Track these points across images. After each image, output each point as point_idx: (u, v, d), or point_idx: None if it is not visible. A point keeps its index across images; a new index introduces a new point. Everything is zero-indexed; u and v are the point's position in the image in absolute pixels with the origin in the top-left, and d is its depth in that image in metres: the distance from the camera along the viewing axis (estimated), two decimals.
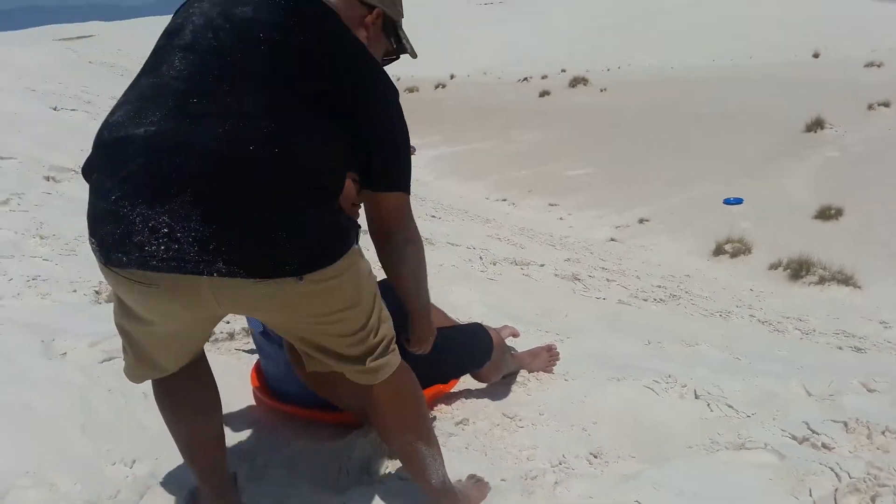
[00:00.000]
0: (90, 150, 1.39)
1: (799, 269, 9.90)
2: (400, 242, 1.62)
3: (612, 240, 12.34)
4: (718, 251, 11.22)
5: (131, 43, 37.35)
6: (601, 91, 28.19)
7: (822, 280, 9.67)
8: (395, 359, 1.62)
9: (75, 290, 2.97)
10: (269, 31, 1.39)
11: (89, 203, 1.35)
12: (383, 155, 1.52)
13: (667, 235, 12.34)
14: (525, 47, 51.57)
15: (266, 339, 2.11)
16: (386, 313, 1.62)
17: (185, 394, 1.66)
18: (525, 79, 35.64)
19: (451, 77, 40.98)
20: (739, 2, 55.11)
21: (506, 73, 39.93)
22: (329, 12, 1.48)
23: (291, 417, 2.17)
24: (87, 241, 1.38)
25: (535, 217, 13.72)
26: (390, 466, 2.00)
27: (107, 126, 1.37)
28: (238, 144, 1.29)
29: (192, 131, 1.29)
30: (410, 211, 1.63)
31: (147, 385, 2.26)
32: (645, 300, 5.87)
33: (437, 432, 2.05)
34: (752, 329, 5.85)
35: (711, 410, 2.51)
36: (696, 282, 9.17)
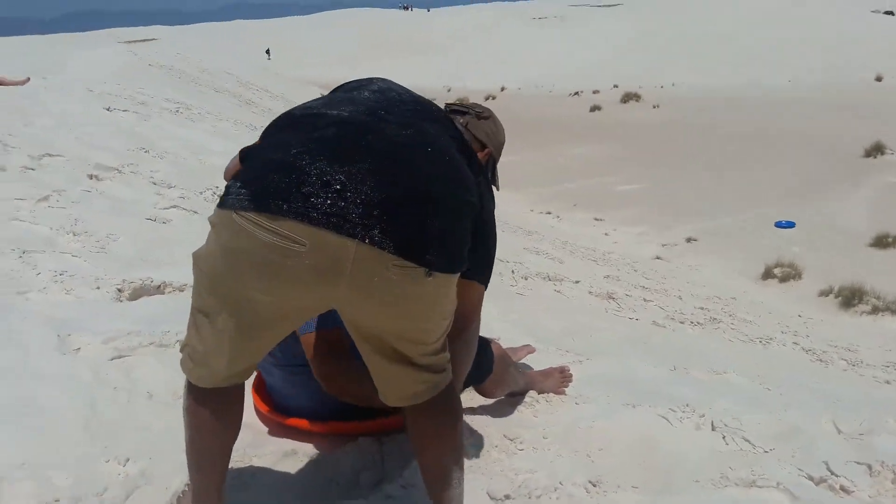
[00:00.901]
0: (269, 131, 1.59)
1: (851, 298, 9.58)
2: (470, 337, 1.81)
3: (658, 258, 12.13)
4: (767, 274, 10.93)
5: (191, 47, 38.41)
6: (654, 108, 27.86)
7: (875, 310, 9.34)
8: (445, 376, 1.67)
9: (98, 288, 3.02)
10: (438, 113, 1.75)
11: (257, 161, 1.48)
12: (486, 251, 1.77)
13: (714, 256, 12.07)
14: (578, 62, 51.28)
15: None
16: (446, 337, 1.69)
17: (224, 412, 1.66)
18: (576, 93, 35.45)
19: (502, 89, 40.99)
20: (801, 22, 53.84)
21: (557, 87, 39.74)
22: (465, 144, 1.76)
23: (287, 428, 2.16)
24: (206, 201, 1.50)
25: (580, 231, 13.58)
26: (381, 481, 1.96)
27: (298, 108, 1.60)
28: (420, 145, 1.51)
29: (380, 126, 1.50)
30: (481, 306, 1.85)
31: (151, 385, 2.30)
32: (681, 322, 5.72)
33: None
34: (793, 357, 5.65)
35: (727, 444, 2.40)
36: (741, 305, 8.93)
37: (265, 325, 1.53)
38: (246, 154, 1.55)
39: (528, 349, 2.96)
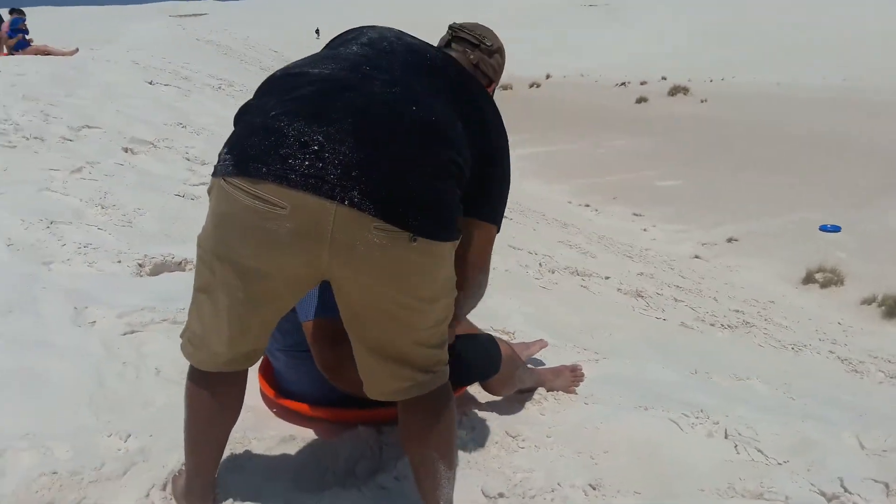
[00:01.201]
0: (256, 93, 1.55)
1: (895, 307, 9.28)
2: (477, 283, 1.71)
3: (697, 257, 11.89)
4: (808, 279, 10.64)
5: (238, 23, 38.78)
6: (701, 102, 27.24)
7: None
8: (442, 376, 1.63)
9: (120, 262, 3.06)
10: (434, 60, 1.62)
11: (240, 125, 1.46)
12: (497, 190, 1.67)
13: (755, 258, 11.79)
14: (626, 52, 50.40)
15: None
16: (446, 334, 1.64)
17: (224, 397, 1.66)
18: (623, 83, 34.86)
19: (547, 77, 40.50)
20: (859, 19, 52.03)
21: (603, 77, 39.13)
22: (473, 78, 1.72)
23: (288, 412, 2.16)
24: (210, 167, 1.49)
25: (618, 226, 13.38)
26: (377, 472, 1.95)
27: (282, 69, 1.55)
28: (404, 102, 1.43)
29: (363, 83, 1.43)
30: (491, 250, 1.73)
31: (160, 361, 2.32)
32: (712, 325, 5.60)
33: None
34: (826, 366, 5.49)
35: (738, 453, 2.34)
36: (779, 309, 8.71)
37: (260, 299, 1.50)
38: (236, 118, 1.53)
39: (541, 344, 2.92)
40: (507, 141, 1.72)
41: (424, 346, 1.57)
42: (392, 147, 1.37)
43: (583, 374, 2.67)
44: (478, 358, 2.15)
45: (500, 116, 1.70)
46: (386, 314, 1.50)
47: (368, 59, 1.53)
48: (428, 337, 1.57)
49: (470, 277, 1.67)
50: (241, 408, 1.72)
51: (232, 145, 1.42)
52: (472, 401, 2.41)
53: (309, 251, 1.38)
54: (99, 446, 1.91)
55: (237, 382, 1.68)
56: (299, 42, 39.13)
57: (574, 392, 2.60)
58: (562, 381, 2.60)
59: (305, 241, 1.37)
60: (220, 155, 1.46)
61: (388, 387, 1.60)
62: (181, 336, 1.64)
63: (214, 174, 1.44)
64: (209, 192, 1.49)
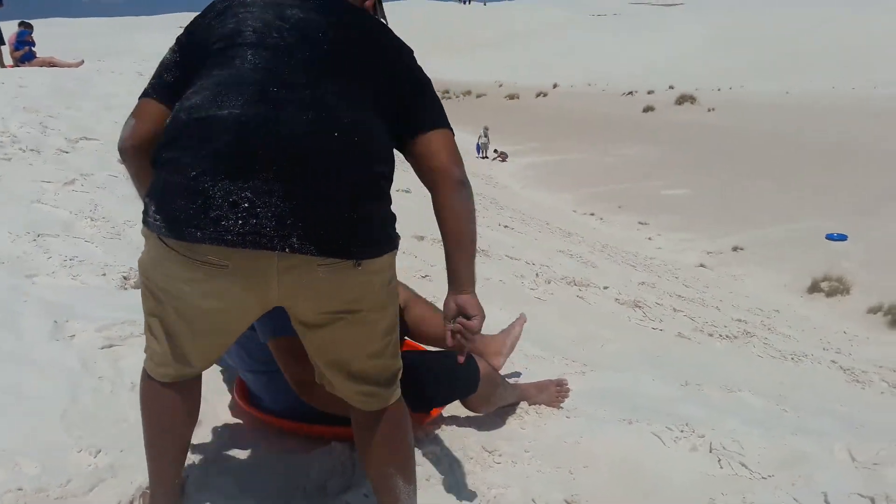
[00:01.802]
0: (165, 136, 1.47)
1: None
2: (455, 183, 1.63)
3: (702, 265, 11.83)
4: (814, 288, 10.56)
5: None
6: (708, 111, 27.22)
7: None
8: (398, 390, 1.66)
9: (104, 274, 3.06)
10: (323, 29, 1.52)
11: (159, 180, 1.41)
12: (423, 100, 1.63)
13: (761, 266, 11.71)
14: (634, 61, 50.43)
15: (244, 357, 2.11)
16: (398, 345, 1.66)
17: (181, 402, 1.66)
18: (630, 92, 34.89)
19: (554, 86, 40.60)
20: (868, 28, 51.78)
21: (611, 86, 39.17)
22: (356, 9, 1.65)
23: (261, 427, 2.15)
24: (141, 223, 1.44)
25: (622, 235, 13.34)
26: (348, 488, 1.93)
27: (183, 109, 1.43)
28: (323, 132, 1.39)
29: (277, 116, 1.37)
30: (458, 151, 1.67)
31: (136, 376, 2.30)
32: (710, 335, 5.55)
33: None
34: (826, 377, 5.43)
35: (721, 467, 2.30)
36: (783, 318, 8.65)
37: (210, 330, 1.53)
38: (153, 158, 1.47)
39: (521, 321, 2.84)
40: (413, 54, 1.69)
41: (378, 357, 1.58)
42: (321, 186, 1.36)
43: (568, 389, 2.64)
44: (455, 377, 2.13)
45: (396, 37, 1.67)
46: (337, 331, 1.51)
47: (270, 72, 1.44)
48: (381, 348, 1.58)
49: (451, 174, 1.62)
50: (198, 413, 1.74)
51: (158, 204, 1.39)
52: (451, 416, 2.38)
53: (256, 294, 1.42)
54: (68, 462, 1.89)
55: (194, 388, 1.69)
56: None
57: (558, 406, 2.57)
58: (546, 396, 2.57)
59: (252, 288, 1.40)
60: (146, 204, 1.44)
61: (350, 400, 1.62)
62: (145, 351, 1.64)
63: (146, 225, 1.43)
64: (144, 235, 1.48)
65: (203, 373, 1.69)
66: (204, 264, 1.37)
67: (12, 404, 2.09)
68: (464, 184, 1.64)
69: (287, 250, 1.33)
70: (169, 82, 1.55)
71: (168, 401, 1.65)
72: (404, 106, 1.58)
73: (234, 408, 2.23)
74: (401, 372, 1.66)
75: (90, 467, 1.90)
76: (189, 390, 1.67)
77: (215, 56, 1.49)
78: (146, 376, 1.65)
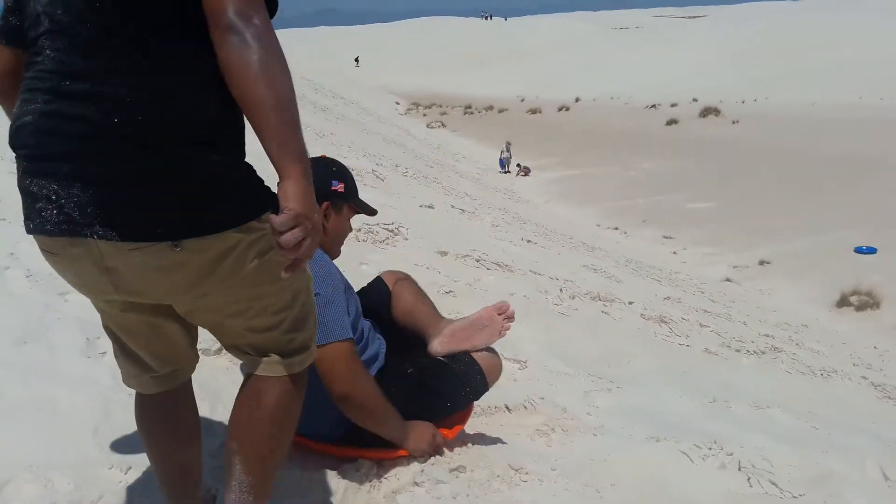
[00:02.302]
0: None
1: None
2: (225, 28, 1.30)
3: (728, 280, 11.72)
4: (843, 302, 10.42)
5: None
6: (733, 123, 27.02)
7: None
8: (296, 364, 1.56)
9: None
10: None
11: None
12: None
13: (788, 280, 11.57)
14: (657, 74, 50.24)
15: None
16: (303, 318, 1.56)
17: (164, 416, 1.67)
18: (653, 106, 34.76)
19: (577, 100, 40.56)
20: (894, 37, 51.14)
21: (634, 99, 39.06)
22: None
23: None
24: None
25: (647, 249, 13.26)
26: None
27: (12, 118, 1.45)
28: (111, 112, 1.29)
29: (68, 111, 1.32)
30: None
31: None
32: (737, 351, 5.49)
33: (425, 477, 1.97)
34: (857, 393, 5.34)
35: (751, 486, 2.27)
36: (812, 333, 8.53)
37: (135, 330, 1.57)
38: None
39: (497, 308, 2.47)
40: None
41: (269, 331, 1.51)
42: (114, 167, 1.30)
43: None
44: (466, 380, 2.20)
45: None
46: (207, 315, 1.52)
47: (63, 64, 1.35)
48: (272, 323, 1.51)
49: (221, 13, 1.30)
50: (189, 430, 1.73)
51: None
52: (477, 433, 2.38)
53: (104, 281, 1.40)
54: (100, 478, 1.92)
55: (177, 401, 1.69)
56: (330, 68, 39.79)
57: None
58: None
59: (92, 275, 1.40)
60: None
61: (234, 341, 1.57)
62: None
63: None
64: None
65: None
66: (46, 253, 1.43)
67: (46, 420, 2.13)
68: (234, 28, 1.29)
69: (96, 237, 1.33)
70: (14, 25, 1.48)
71: (149, 413, 1.67)
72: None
73: None
74: (304, 345, 1.57)
75: (120, 484, 1.93)
76: (171, 403, 1.66)
77: (30, 45, 1.43)
78: (138, 398, 1.70)
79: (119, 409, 2.23)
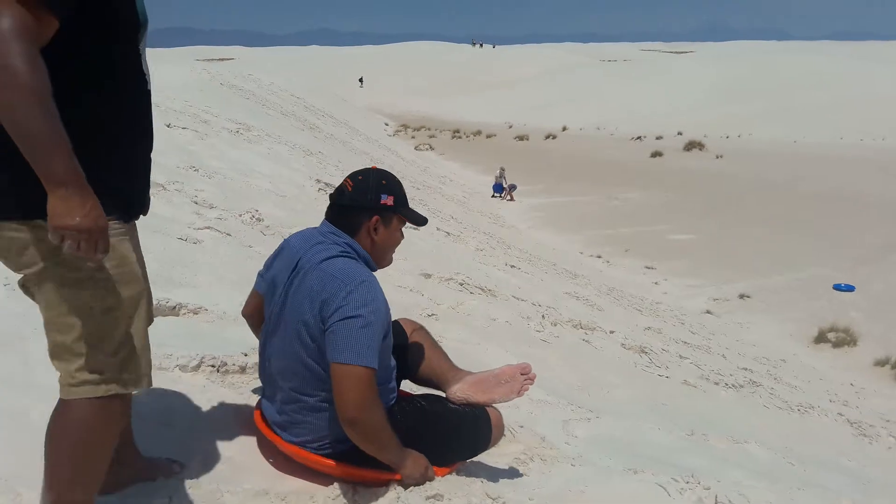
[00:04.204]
0: None
1: None
2: None
3: (708, 312, 11.80)
4: (820, 338, 10.52)
5: (263, 69, 39.62)
6: (716, 157, 27.37)
7: None
8: (93, 390, 1.59)
9: None
10: None
11: None
12: None
13: (767, 315, 11.68)
14: (643, 107, 50.88)
15: None
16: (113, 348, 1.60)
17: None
18: (639, 137, 35.14)
19: (564, 129, 40.91)
20: (878, 81, 52.26)
21: (620, 130, 39.50)
22: None
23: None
24: None
25: (629, 278, 13.34)
26: None
27: None
28: None
29: None
30: None
31: (141, 407, 2.31)
32: (716, 384, 5.51)
33: None
34: (832, 430, 5.37)
35: None
36: (790, 368, 8.59)
37: None
38: None
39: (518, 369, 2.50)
40: None
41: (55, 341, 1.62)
42: None
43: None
44: (477, 435, 2.25)
45: None
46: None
47: None
48: (59, 333, 1.61)
49: None
50: None
51: None
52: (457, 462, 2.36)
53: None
54: None
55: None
56: (321, 88, 39.90)
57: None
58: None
59: None
60: None
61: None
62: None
63: None
64: None
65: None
66: None
67: (16, 431, 2.09)
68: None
69: None
70: None
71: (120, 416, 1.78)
72: None
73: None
74: (86, 374, 1.60)
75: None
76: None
77: None
78: (114, 404, 1.70)
79: None
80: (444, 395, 2.36)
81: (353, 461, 2.08)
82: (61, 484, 1.63)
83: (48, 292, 1.56)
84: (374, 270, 2.16)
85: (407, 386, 2.45)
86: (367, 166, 2.32)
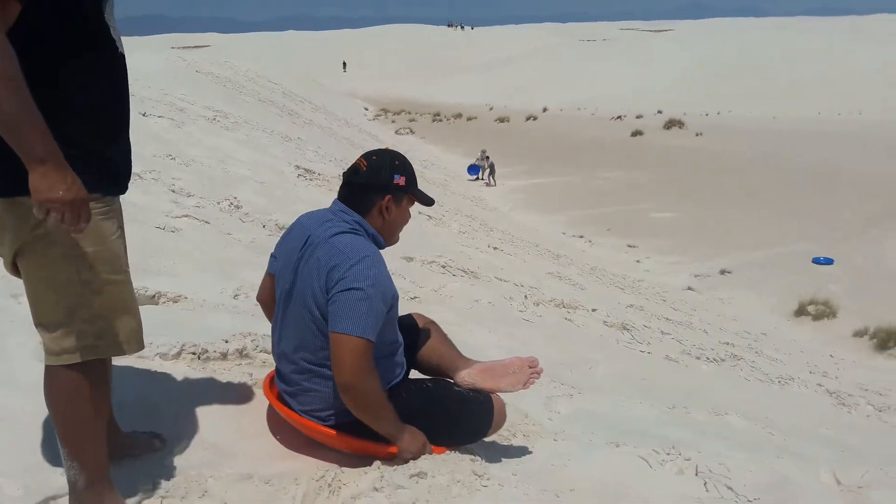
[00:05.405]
0: None
1: (887, 340, 9.28)
2: None
3: (690, 289, 11.90)
4: (801, 311, 10.66)
5: (239, 56, 39.20)
6: (696, 135, 27.49)
7: None
8: (71, 358, 1.69)
9: None
10: None
11: None
12: None
13: (748, 290, 11.81)
14: (623, 86, 50.96)
15: None
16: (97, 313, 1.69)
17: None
18: (619, 117, 35.21)
19: (544, 110, 40.90)
20: (853, 57, 52.62)
21: (600, 110, 39.54)
22: None
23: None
24: None
25: (611, 257, 13.41)
26: None
27: None
28: None
29: None
30: None
31: (123, 397, 2.30)
32: (697, 358, 5.58)
33: (385, 483, 1.96)
34: (812, 400, 5.46)
35: (707, 490, 2.30)
36: (771, 341, 8.70)
37: None
38: None
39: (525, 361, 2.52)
40: None
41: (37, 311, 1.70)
42: None
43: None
44: (477, 422, 2.28)
45: None
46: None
47: None
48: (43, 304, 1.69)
49: None
50: None
51: None
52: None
53: None
54: (50, 485, 1.88)
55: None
56: (298, 73, 39.55)
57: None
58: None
59: None
60: None
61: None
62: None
63: None
64: None
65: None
66: None
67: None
68: None
69: None
70: None
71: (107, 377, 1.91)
72: None
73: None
74: (65, 342, 1.69)
75: None
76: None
77: None
78: (96, 367, 1.78)
79: None
80: (452, 381, 2.40)
81: (354, 433, 2.12)
82: (69, 444, 1.75)
83: (29, 268, 1.65)
84: (383, 248, 2.24)
85: (416, 375, 2.48)
86: (382, 147, 2.39)
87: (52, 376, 1.73)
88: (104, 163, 1.69)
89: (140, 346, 1.84)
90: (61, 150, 1.51)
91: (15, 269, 1.72)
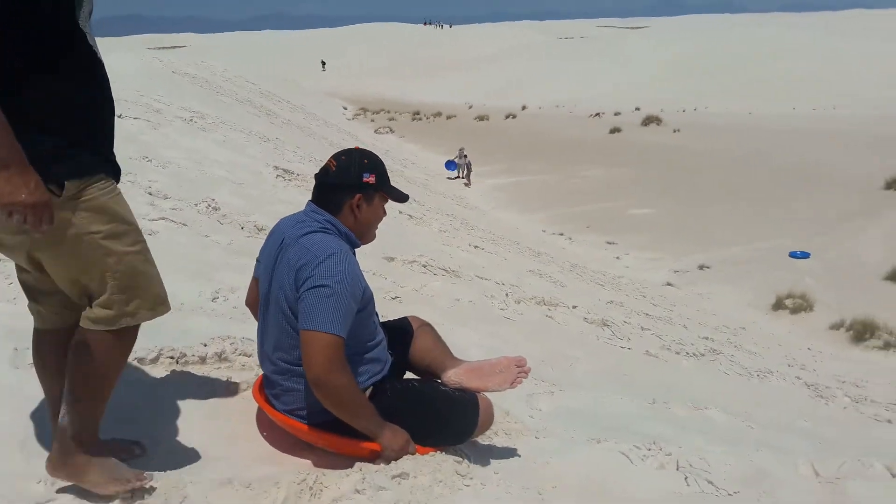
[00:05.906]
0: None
1: (863, 332, 9.41)
2: None
3: (669, 284, 11.99)
4: (778, 305, 10.78)
5: (216, 55, 38.85)
6: (674, 132, 27.67)
7: (887, 345, 9.15)
8: (108, 325, 1.79)
9: None
10: None
11: None
12: None
13: (726, 285, 11.92)
14: (601, 84, 51.24)
15: None
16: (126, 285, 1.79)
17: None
18: (597, 114, 35.37)
19: (523, 108, 40.99)
20: (828, 52, 53.36)
21: (578, 108, 39.68)
22: None
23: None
24: None
25: (591, 254, 13.48)
26: None
27: None
28: None
29: None
30: None
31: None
32: (677, 353, 5.62)
33: (367, 485, 1.95)
34: (791, 393, 5.52)
35: (688, 485, 2.32)
36: (749, 336, 8.79)
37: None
38: None
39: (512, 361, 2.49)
40: None
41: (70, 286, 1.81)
42: None
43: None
44: (464, 423, 2.28)
45: None
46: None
47: None
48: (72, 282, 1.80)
49: None
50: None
51: None
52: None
53: None
54: (26, 494, 1.85)
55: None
56: (276, 73, 39.30)
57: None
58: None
59: None
60: None
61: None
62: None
63: None
64: None
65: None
66: None
67: None
68: None
69: None
70: None
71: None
72: None
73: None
74: (99, 312, 1.79)
75: (49, 498, 1.85)
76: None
77: None
78: (127, 332, 1.89)
79: (47, 422, 2.15)
80: (439, 380, 2.39)
81: (336, 431, 2.12)
82: (84, 396, 1.83)
83: (49, 257, 1.75)
84: (358, 246, 2.26)
85: (410, 377, 2.47)
86: (351, 147, 2.40)
87: (86, 338, 1.81)
88: (103, 150, 1.80)
89: (167, 307, 1.95)
90: (61, 149, 1.59)
91: (32, 261, 1.80)
